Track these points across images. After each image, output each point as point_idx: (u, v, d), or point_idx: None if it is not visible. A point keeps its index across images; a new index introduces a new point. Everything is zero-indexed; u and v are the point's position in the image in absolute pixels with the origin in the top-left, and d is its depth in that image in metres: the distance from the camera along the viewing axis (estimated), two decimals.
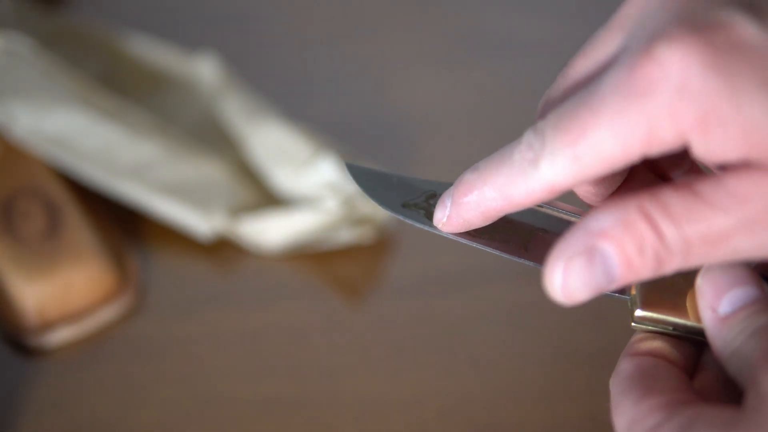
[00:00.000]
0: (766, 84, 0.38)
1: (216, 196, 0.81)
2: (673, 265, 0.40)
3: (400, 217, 0.47)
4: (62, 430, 0.73)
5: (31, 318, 0.76)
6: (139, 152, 0.81)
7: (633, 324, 0.45)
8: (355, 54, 0.94)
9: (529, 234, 0.46)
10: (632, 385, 0.43)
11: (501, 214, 0.44)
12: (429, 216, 0.47)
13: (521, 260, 0.46)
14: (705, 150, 0.39)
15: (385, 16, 0.96)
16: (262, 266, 0.80)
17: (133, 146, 0.81)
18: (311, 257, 0.81)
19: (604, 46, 0.43)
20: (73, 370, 0.75)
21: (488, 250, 0.46)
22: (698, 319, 0.44)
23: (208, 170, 0.82)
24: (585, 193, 0.46)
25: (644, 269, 0.40)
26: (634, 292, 0.45)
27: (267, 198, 0.82)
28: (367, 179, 0.48)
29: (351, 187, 0.79)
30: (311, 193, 0.80)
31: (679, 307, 0.44)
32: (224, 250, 0.81)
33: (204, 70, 0.86)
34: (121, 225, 0.82)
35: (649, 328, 0.44)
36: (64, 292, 0.76)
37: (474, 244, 0.46)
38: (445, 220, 0.45)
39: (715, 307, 0.43)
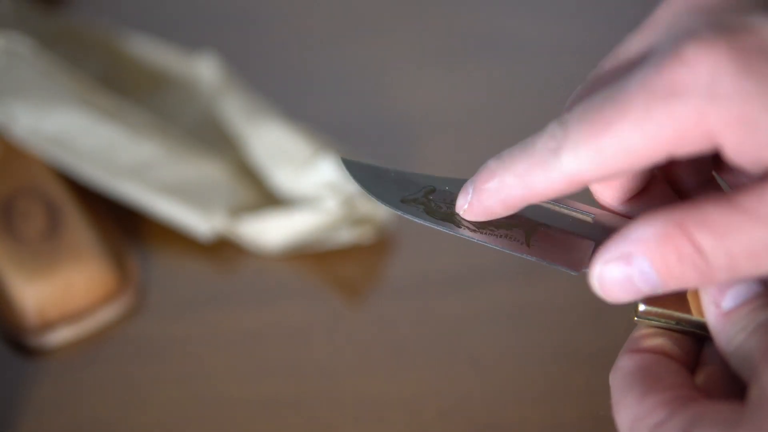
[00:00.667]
0: None
1: (216, 196, 0.81)
2: (719, 277, 0.40)
3: (399, 213, 0.47)
4: (62, 430, 0.73)
5: (31, 318, 0.76)
6: (139, 152, 0.81)
7: (636, 318, 0.45)
8: (356, 54, 0.94)
9: (531, 229, 0.46)
10: (634, 381, 0.43)
11: (523, 204, 0.44)
12: (428, 211, 0.47)
13: (523, 255, 0.46)
14: (737, 153, 0.39)
15: (385, 16, 0.96)
16: (262, 266, 0.80)
17: (133, 146, 0.81)
18: (311, 257, 0.81)
19: (634, 47, 0.43)
20: (73, 370, 0.75)
21: (490, 245, 0.46)
22: (701, 314, 0.43)
23: (208, 170, 0.82)
24: (602, 194, 0.46)
25: (686, 280, 0.40)
26: None
27: (267, 198, 0.82)
28: (364, 174, 0.48)
29: (350, 186, 0.79)
30: (311, 193, 0.80)
31: (682, 302, 0.44)
32: (224, 250, 0.81)
33: (204, 70, 0.86)
34: (121, 225, 0.82)
35: (652, 322, 0.44)
36: (64, 292, 0.76)
37: (475, 240, 0.46)
38: (466, 206, 0.45)
39: (719, 302, 0.42)
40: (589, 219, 0.46)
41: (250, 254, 0.81)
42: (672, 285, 0.41)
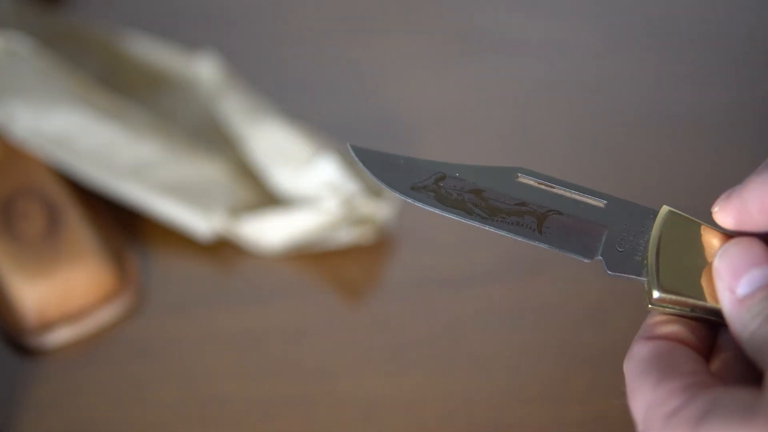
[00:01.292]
0: None
1: (216, 196, 0.81)
2: None
3: (409, 200, 0.46)
4: (62, 430, 0.73)
5: (31, 318, 0.76)
6: (138, 152, 0.81)
7: (650, 306, 0.44)
8: (355, 54, 0.94)
9: (542, 216, 0.46)
10: (650, 368, 0.43)
11: None
12: (439, 198, 0.46)
13: (535, 242, 0.46)
14: None
15: (385, 16, 0.97)
16: (262, 266, 0.80)
17: (133, 146, 0.81)
18: (311, 257, 0.81)
19: None
20: (73, 370, 0.75)
21: (502, 233, 0.46)
22: (716, 300, 0.43)
23: (207, 170, 0.82)
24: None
25: None
26: (650, 274, 0.45)
27: (267, 198, 0.82)
28: (374, 162, 0.47)
29: (350, 186, 0.79)
30: (311, 193, 0.80)
31: (696, 289, 0.44)
32: (224, 250, 0.81)
33: (204, 70, 0.86)
34: (121, 225, 0.82)
35: (667, 309, 0.44)
36: (64, 292, 0.76)
37: (487, 227, 0.46)
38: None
39: (734, 288, 0.43)
40: (601, 204, 0.46)
41: (250, 254, 0.81)
42: None
